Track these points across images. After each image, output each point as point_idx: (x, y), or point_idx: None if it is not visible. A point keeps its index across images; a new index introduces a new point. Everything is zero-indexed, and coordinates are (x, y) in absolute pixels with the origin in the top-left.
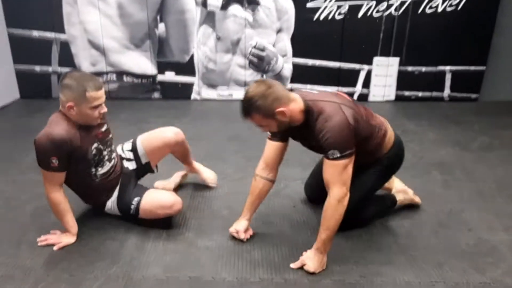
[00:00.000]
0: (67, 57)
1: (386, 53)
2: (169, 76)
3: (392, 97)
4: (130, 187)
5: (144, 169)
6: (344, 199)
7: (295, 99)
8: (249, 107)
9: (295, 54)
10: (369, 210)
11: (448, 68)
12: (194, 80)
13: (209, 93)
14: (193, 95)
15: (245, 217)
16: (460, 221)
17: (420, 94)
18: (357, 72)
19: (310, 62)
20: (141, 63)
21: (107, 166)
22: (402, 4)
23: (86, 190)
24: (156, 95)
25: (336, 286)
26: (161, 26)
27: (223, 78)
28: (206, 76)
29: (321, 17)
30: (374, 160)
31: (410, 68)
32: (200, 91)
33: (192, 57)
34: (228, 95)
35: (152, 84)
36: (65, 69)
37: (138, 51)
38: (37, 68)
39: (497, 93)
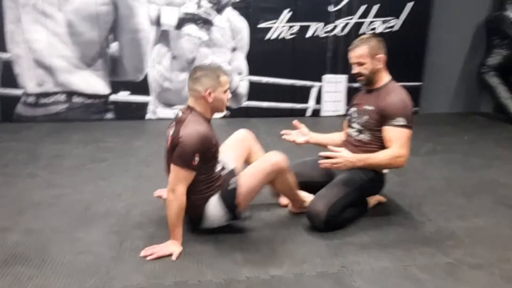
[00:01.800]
0: (9, 77)
1: (334, 71)
2: (123, 95)
3: (342, 111)
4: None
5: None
6: (400, 159)
7: (386, 69)
8: (368, 38)
9: (250, 72)
10: (346, 215)
11: None
12: (149, 99)
13: (165, 112)
14: (148, 115)
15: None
16: (420, 213)
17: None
18: (309, 89)
19: (264, 79)
20: (93, 82)
21: (220, 163)
22: (345, 25)
23: (205, 190)
24: (109, 115)
25: (321, 277)
26: (114, 45)
27: (180, 96)
28: (161, 95)
29: (273, 37)
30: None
31: (356, 85)
32: (156, 111)
33: (146, 76)
34: None
35: (104, 104)
36: (8, 90)
37: (89, 70)
38: None
39: (434, 106)
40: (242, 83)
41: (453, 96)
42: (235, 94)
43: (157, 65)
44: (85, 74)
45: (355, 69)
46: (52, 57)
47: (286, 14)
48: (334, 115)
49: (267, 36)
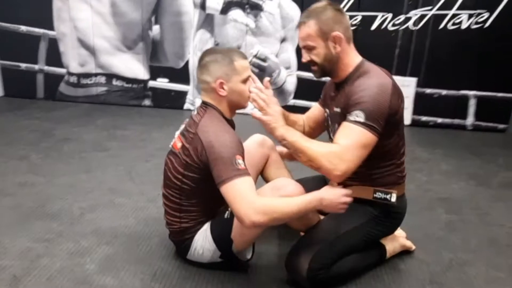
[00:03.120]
0: (54, 55)
1: (402, 72)
2: (162, 82)
3: (408, 121)
4: None
5: None
6: (338, 165)
7: (354, 49)
8: (319, 9)
9: (300, 67)
10: (344, 266)
11: (472, 93)
12: (188, 88)
13: None
14: (186, 105)
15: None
16: (460, 278)
17: (439, 120)
18: None
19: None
20: (132, 66)
21: None
22: (421, 18)
23: (198, 214)
24: (147, 102)
25: None
26: (156, 28)
27: None
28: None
29: None
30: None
31: (428, 91)
32: (194, 101)
33: (187, 64)
34: None
35: (143, 90)
36: (52, 68)
37: (130, 53)
38: (23, 66)
39: None
40: (290, 79)
41: None
42: (281, 91)
43: (198, 52)
44: (125, 57)
45: (304, 56)
46: (95, 37)
47: (347, 1)
48: None
49: None
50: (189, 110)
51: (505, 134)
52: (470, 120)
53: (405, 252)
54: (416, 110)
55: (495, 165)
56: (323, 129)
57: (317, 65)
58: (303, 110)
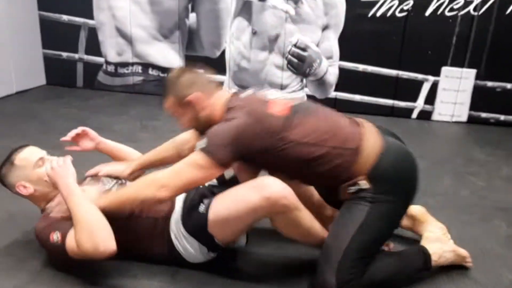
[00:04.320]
0: (93, 45)
1: (459, 62)
2: None
3: (464, 118)
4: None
5: None
6: (159, 187)
7: (219, 96)
8: (166, 86)
9: (343, 57)
10: (379, 272)
11: None
12: (224, 78)
13: None
14: None
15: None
16: None
17: (502, 117)
18: (420, 83)
19: (361, 67)
20: (169, 55)
21: None
22: (484, 2)
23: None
24: None
25: None
26: (192, 16)
27: (257, 79)
28: (237, 76)
29: (378, 13)
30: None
31: (490, 84)
32: (230, 92)
33: (223, 53)
34: None
35: None
36: (91, 57)
37: (166, 42)
38: (64, 55)
39: None
40: (331, 70)
41: None
42: (321, 82)
43: (235, 41)
44: (161, 46)
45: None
46: (132, 26)
47: None
48: (452, 121)
49: (371, 13)
50: None
51: None
52: None
53: (459, 267)
54: (475, 106)
55: None
56: None
57: (191, 128)
58: (345, 103)
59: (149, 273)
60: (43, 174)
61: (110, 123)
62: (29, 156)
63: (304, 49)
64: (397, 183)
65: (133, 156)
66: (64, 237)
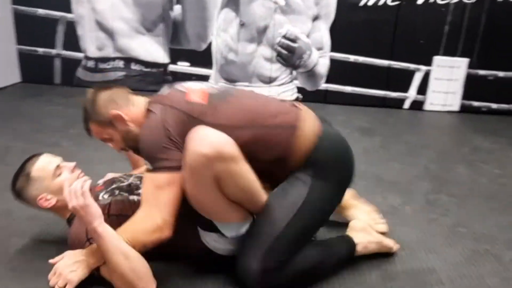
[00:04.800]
0: (72, 39)
1: (451, 51)
2: (183, 66)
3: (456, 107)
4: None
5: None
6: (159, 230)
7: (137, 103)
8: (85, 115)
9: (334, 48)
10: (306, 262)
11: None
12: (211, 72)
13: None
14: None
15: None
16: None
17: (494, 106)
18: (412, 73)
19: (352, 58)
20: (152, 49)
21: None
22: None
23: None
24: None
25: None
26: (177, 8)
27: (245, 72)
28: (225, 69)
29: (370, 3)
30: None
31: (482, 72)
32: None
33: (210, 46)
34: None
35: (163, 74)
36: (69, 53)
37: (149, 35)
38: (40, 50)
39: None
40: (322, 61)
41: None
42: (311, 74)
43: (222, 33)
44: (144, 39)
45: (114, 148)
46: (113, 19)
47: None
48: (444, 110)
49: (362, 2)
50: None
51: None
52: None
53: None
54: (467, 95)
55: None
56: None
57: (125, 148)
58: (336, 95)
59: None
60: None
61: None
62: (46, 166)
63: (294, 40)
64: (335, 167)
65: None
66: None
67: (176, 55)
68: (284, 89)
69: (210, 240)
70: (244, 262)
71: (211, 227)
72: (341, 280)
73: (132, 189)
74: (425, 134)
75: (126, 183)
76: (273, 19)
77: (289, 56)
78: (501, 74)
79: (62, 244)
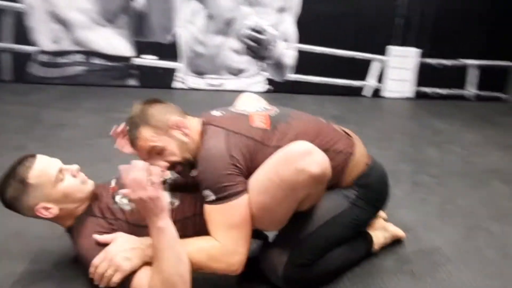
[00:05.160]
0: (23, 32)
1: (405, 42)
2: (149, 59)
3: (410, 93)
4: None
5: None
6: (229, 257)
7: (191, 120)
8: (136, 121)
9: (301, 40)
10: (328, 264)
11: (476, 62)
12: (179, 65)
13: (196, 82)
14: (176, 83)
15: None
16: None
17: (442, 91)
18: (371, 63)
19: (318, 49)
20: (114, 42)
21: None
22: None
23: None
24: (132, 82)
25: None
26: None
27: (213, 64)
28: (193, 62)
29: None
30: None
31: (432, 61)
32: (186, 79)
33: (177, 38)
34: (218, 84)
35: (127, 68)
36: (19, 47)
37: (111, 27)
38: None
39: None
40: (289, 53)
41: None
42: (279, 65)
43: (189, 25)
44: (106, 31)
45: (162, 166)
46: (69, 9)
47: None
48: (399, 97)
49: None
50: (179, 89)
51: (506, 102)
52: (472, 90)
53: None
54: (420, 82)
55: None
56: None
57: (180, 163)
58: (303, 85)
59: None
60: (70, 187)
61: (69, 118)
62: (46, 170)
63: (260, 32)
64: (378, 194)
65: None
66: (129, 275)
67: (141, 48)
68: (253, 81)
69: None
70: (272, 257)
71: None
72: (361, 267)
73: None
74: (391, 120)
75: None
76: (239, 11)
77: (257, 48)
78: (447, 62)
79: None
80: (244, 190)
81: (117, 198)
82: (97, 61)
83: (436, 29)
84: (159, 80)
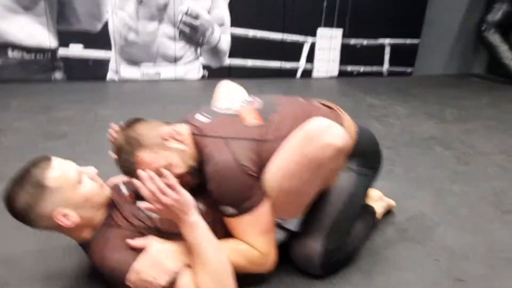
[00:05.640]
0: None
1: (330, 23)
2: (76, 50)
3: (336, 72)
4: None
5: None
6: (267, 260)
7: (177, 124)
8: (127, 147)
9: (234, 23)
10: (356, 239)
11: (387, 41)
12: (110, 55)
13: (131, 72)
14: (110, 75)
15: None
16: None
17: (361, 69)
18: (301, 45)
19: (251, 33)
20: (34, 31)
21: None
22: None
23: None
24: (58, 75)
25: None
26: None
27: (148, 52)
28: (126, 51)
29: None
30: None
31: (352, 41)
32: (119, 70)
33: (106, 26)
34: (155, 73)
35: (51, 60)
36: None
37: (29, 15)
38: None
39: (428, 67)
40: (224, 37)
41: (448, 56)
42: (215, 51)
43: (119, 12)
44: (22, 20)
45: (172, 181)
46: None
47: None
48: (327, 76)
49: None
50: (113, 81)
51: (412, 76)
52: (386, 66)
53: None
54: (342, 61)
55: (434, 104)
56: None
57: (189, 173)
58: (239, 70)
59: None
60: (90, 190)
61: (4, 122)
62: (67, 172)
63: (196, 18)
64: (373, 157)
65: None
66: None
67: (66, 38)
68: (189, 68)
69: None
70: (305, 249)
71: None
72: (370, 240)
73: None
74: (328, 99)
75: None
76: None
77: (193, 33)
78: (365, 42)
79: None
80: (263, 196)
81: (141, 205)
82: (13, 54)
83: (355, 10)
84: (89, 72)
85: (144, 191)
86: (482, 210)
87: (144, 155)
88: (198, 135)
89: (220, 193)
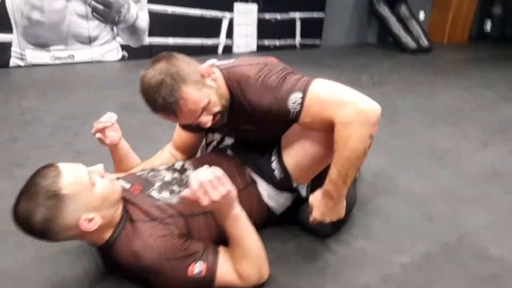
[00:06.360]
0: None
1: None
2: None
3: (254, 47)
4: None
5: None
6: (356, 116)
7: (210, 64)
8: (171, 81)
9: (150, 0)
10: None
11: (297, 15)
12: (11, 37)
13: (38, 56)
14: (14, 60)
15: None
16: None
17: (277, 42)
18: (220, 21)
19: (170, 9)
20: None
21: None
22: None
23: None
24: None
25: None
26: None
27: (58, 33)
28: (30, 32)
29: None
30: None
31: (267, 16)
32: (24, 54)
33: (3, 4)
34: (67, 56)
35: None
36: None
37: None
38: None
39: (334, 38)
40: (141, 14)
41: (348, 28)
42: (133, 29)
43: None
44: None
45: (206, 121)
46: None
47: None
48: (247, 51)
49: None
50: (18, 66)
51: (321, 48)
52: (298, 40)
53: None
54: (260, 35)
55: (351, 73)
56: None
57: (220, 112)
58: (161, 48)
59: None
60: (105, 189)
61: None
62: (80, 176)
63: None
64: None
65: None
66: (212, 268)
67: None
68: (107, 49)
69: (282, 199)
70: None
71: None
72: (360, 210)
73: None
74: None
75: (177, 176)
76: None
77: (106, 11)
78: (278, 16)
79: None
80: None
81: (156, 195)
82: None
83: None
84: None
85: (193, 186)
86: (422, 159)
87: (190, 91)
88: (225, 69)
89: (273, 91)
